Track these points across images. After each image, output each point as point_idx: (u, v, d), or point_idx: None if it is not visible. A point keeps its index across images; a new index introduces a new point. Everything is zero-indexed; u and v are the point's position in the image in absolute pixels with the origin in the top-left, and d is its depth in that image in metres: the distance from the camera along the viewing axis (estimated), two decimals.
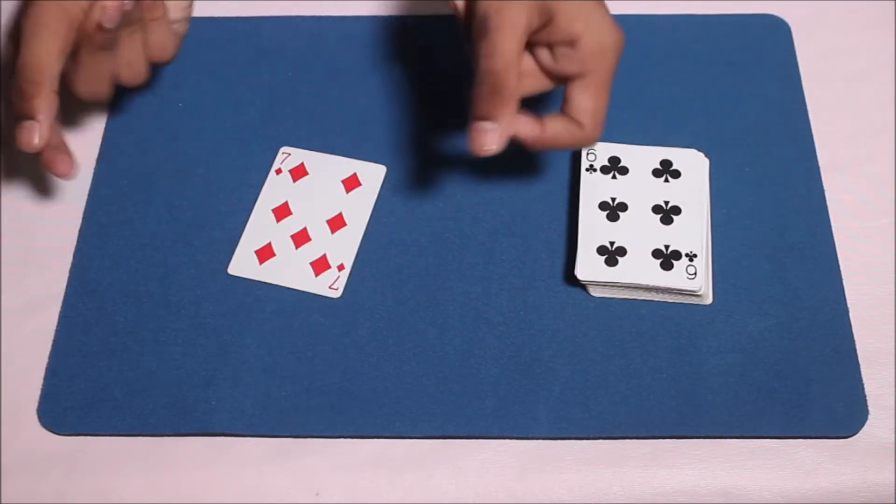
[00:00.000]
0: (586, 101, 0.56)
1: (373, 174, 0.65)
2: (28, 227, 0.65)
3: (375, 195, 0.64)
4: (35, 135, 0.56)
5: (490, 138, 0.54)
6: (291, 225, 0.63)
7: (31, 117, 0.56)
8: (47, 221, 0.65)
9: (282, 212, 0.63)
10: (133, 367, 0.59)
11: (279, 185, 0.64)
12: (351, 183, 0.64)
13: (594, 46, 0.55)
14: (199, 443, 0.57)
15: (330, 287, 0.61)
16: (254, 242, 0.62)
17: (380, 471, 0.57)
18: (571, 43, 0.55)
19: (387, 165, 0.66)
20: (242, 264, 0.62)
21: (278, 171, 0.65)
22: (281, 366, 0.59)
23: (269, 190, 0.64)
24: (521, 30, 0.53)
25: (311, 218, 0.63)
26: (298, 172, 0.65)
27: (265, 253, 0.62)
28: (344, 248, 0.62)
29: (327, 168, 0.65)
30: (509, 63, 0.53)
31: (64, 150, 0.59)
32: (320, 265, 0.61)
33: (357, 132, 0.67)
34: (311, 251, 0.62)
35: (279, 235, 0.63)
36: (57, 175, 0.59)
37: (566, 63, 0.55)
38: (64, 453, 0.57)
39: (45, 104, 0.56)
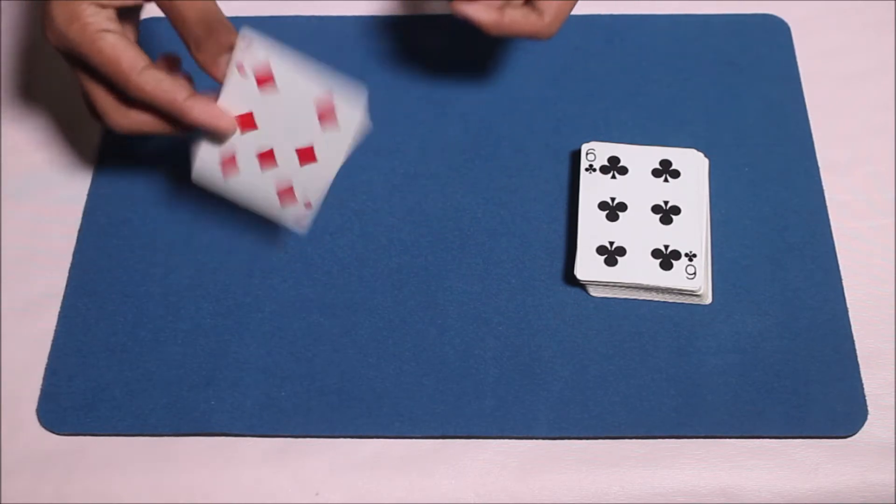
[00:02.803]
0: None
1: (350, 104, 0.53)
2: (28, 227, 0.65)
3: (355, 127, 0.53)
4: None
5: None
6: (256, 141, 0.54)
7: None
8: (47, 221, 0.65)
9: (246, 123, 0.53)
10: (133, 367, 0.59)
11: (241, 88, 0.52)
12: (327, 115, 0.53)
13: None
14: (199, 443, 0.57)
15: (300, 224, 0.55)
16: (216, 148, 0.54)
17: (380, 471, 0.57)
18: None
19: (383, 164, 0.65)
20: (208, 172, 0.55)
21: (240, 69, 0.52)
22: (281, 366, 0.59)
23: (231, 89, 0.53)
24: None
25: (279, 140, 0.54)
26: (263, 79, 0.52)
27: (229, 165, 0.54)
28: (314, 186, 0.54)
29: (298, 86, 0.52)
30: None
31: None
32: (286, 196, 0.53)
33: None
34: (277, 176, 0.54)
35: (243, 150, 0.54)
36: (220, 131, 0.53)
37: None
38: (64, 453, 0.57)
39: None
